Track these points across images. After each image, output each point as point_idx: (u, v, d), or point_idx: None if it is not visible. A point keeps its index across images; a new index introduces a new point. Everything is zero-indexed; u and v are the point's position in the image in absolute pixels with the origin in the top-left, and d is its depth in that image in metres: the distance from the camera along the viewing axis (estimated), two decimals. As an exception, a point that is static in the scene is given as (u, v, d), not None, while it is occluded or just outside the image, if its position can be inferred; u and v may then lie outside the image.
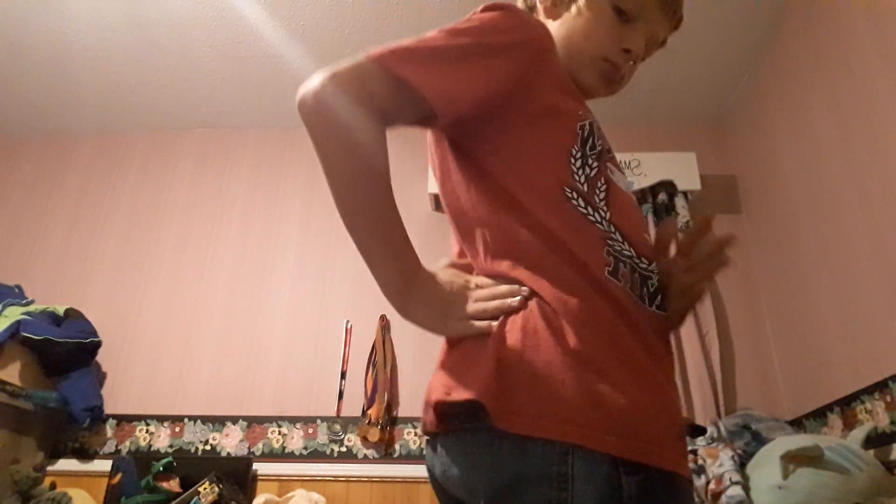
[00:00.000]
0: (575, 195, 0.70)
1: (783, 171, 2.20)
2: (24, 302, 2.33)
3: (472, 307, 0.67)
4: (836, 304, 1.87)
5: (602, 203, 0.71)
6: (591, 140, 0.74)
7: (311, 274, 2.52)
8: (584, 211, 0.70)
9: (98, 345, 2.31)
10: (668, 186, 2.43)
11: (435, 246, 2.54)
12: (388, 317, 2.39)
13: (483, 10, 0.75)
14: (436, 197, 2.53)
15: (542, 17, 0.90)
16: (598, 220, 0.70)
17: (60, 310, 2.28)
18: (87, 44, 2.38)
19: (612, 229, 0.70)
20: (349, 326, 2.41)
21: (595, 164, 0.73)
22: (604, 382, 0.60)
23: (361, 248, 0.67)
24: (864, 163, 1.74)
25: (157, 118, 2.80)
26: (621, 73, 0.85)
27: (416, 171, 2.66)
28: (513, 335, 0.63)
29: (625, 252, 0.69)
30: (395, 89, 0.65)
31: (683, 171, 2.44)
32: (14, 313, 2.16)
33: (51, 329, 2.16)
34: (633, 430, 0.60)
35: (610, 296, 0.65)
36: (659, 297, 0.71)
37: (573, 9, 0.85)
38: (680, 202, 2.44)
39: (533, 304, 0.65)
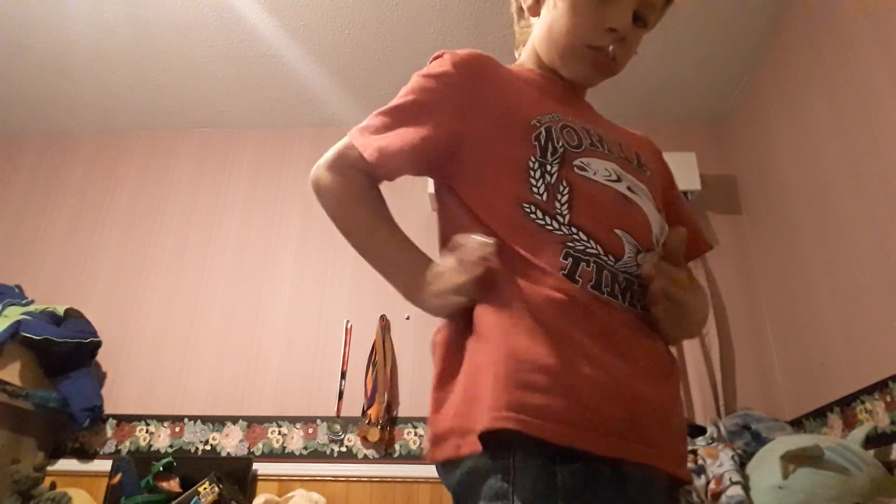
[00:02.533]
0: (533, 208, 0.72)
1: (783, 171, 2.20)
2: (24, 302, 2.33)
3: (452, 279, 0.74)
4: (836, 304, 1.87)
5: (564, 208, 0.72)
6: (549, 146, 0.75)
7: (311, 274, 2.52)
8: (542, 222, 0.72)
9: (98, 345, 2.31)
10: (668, 186, 2.44)
11: (435, 246, 2.54)
12: (387, 317, 2.39)
13: (422, 71, 0.89)
14: (436, 197, 2.53)
15: (527, 18, 0.93)
16: (557, 226, 0.71)
17: (60, 310, 2.28)
18: (87, 44, 2.38)
19: (574, 231, 0.71)
20: (349, 326, 2.41)
21: (555, 170, 0.74)
22: (538, 372, 0.62)
23: (378, 271, 0.84)
24: (864, 163, 1.73)
25: (157, 118, 2.80)
26: (611, 55, 0.82)
27: (416, 171, 2.66)
28: (448, 352, 0.77)
29: (589, 251, 0.70)
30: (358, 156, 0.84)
31: (683, 171, 2.44)
32: (14, 313, 2.16)
33: (51, 329, 2.16)
34: (567, 415, 0.60)
35: (563, 295, 0.67)
36: (635, 292, 0.71)
37: (549, 1, 0.86)
38: (680, 202, 2.44)
39: (467, 321, 0.73)
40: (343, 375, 2.33)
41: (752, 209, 2.48)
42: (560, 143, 0.75)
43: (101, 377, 2.37)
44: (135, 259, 2.60)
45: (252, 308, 2.48)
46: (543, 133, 0.76)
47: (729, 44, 2.32)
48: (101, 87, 2.60)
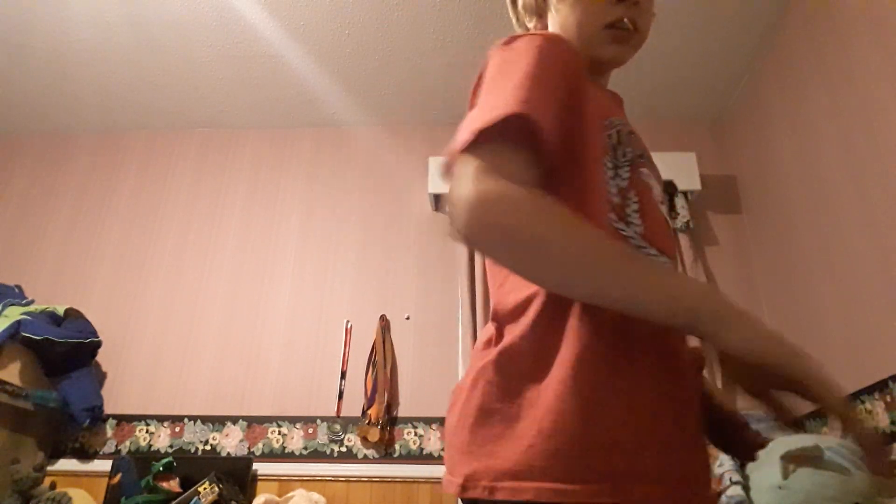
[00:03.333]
0: (608, 207, 0.67)
1: (783, 171, 2.20)
2: (24, 302, 2.32)
3: None
4: (836, 304, 1.87)
5: (635, 217, 0.68)
6: (620, 149, 0.72)
7: (311, 274, 2.52)
8: (618, 225, 0.66)
9: (98, 345, 2.31)
10: (668, 186, 2.44)
11: (435, 246, 2.55)
12: (387, 317, 2.39)
13: (518, 41, 0.70)
14: (436, 197, 2.53)
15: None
16: (633, 234, 0.67)
17: (60, 310, 2.28)
18: (87, 44, 2.38)
19: (646, 245, 0.67)
20: (349, 326, 2.41)
21: (627, 175, 0.71)
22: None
23: (639, 311, 0.57)
24: (864, 163, 1.73)
25: (157, 118, 2.80)
26: (631, 25, 0.80)
27: (416, 171, 2.66)
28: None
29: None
30: (507, 146, 0.60)
31: (683, 171, 2.44)
32: (14, 313, 2.16)
33: (51, 329, 2.16)
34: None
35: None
36: None
37: (550, 9, 0.86)
38: (680, 202, 2.44)
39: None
40: (343, 375, 2.33)
41: (752, 209, 2.48)
42: (629, 149, 0.73)
43: (101, 377, 2.37)
44: (135, 259, 2.60)
45: (252, 308, 2.48)
46: (615, 134, 0.72)
47: (729, 44, 2.32)
48: (101, 87, 2.60)
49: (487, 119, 0.59)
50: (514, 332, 0.64)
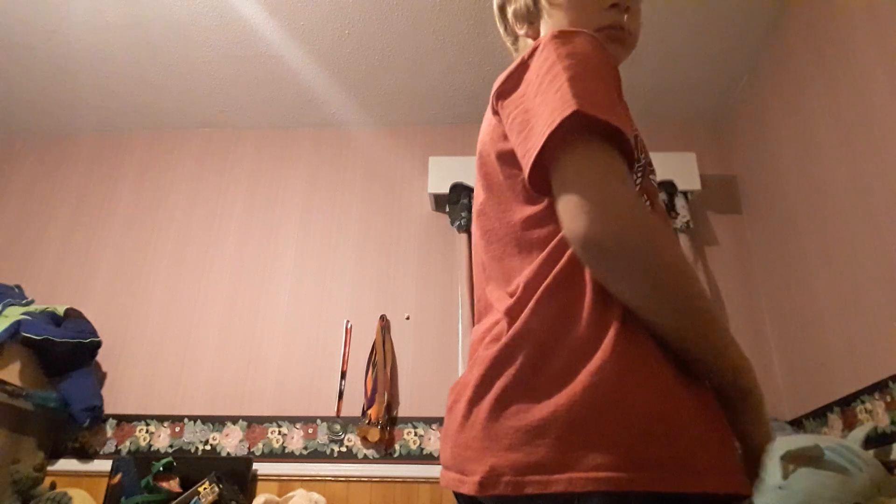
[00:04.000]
0: None
1: (783, 171, 2.20)
2: (24, 302, 2.32)
3: None
4: (836, 303, 1.87)
5: None
6: (635, 154, 0.70)
7: (311, 274, 2.52)
8: None
9: (98, 345, 2.31)
10: (668, 186, 2.44)
11: (435, 246, 2.55)
12: (387, 317, 2.39)
13: (578, 38, 0.70)
14: (436, 197, 2.53)
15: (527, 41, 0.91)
16: None
17: (60, 310, 2.28)
18: (87, 44, 2.38)
19: None
20: (349, 326, 2.41)
21: (640, 178, 0.73)
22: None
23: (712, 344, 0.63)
24: (864, 163, 1.73)
25: (157, 118, 2.80)
26: (624, 29, 0.81)
27: (416, 171, 2.66)
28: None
29: None
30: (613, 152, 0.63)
31: (683, 171, 2.44)
32: (14, 313, 2.16)
33: (51, 329, 2.16)
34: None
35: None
36: None
37: (543, 14, 0.86)
38: (680, 202, 2.44)
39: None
40: (343, 375, 2.33)
41: (752, 209, 2.48)
42: (643, 155, 0.74)
43: (101, 377, 2.37)
44: (135, 259, 2.60)
45: (252, 308, 2.48)
46: (633, 140, 0.69)
47: (729, 44, 2.32)
48: (101, 87, 2.60)
49: (591, 112, 0.60)
50: (527, 323, 0.63)
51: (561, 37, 0.70)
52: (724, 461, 0.57)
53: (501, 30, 0.96)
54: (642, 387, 0.57)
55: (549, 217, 0.67)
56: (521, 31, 0.91)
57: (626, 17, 0.81)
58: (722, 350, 0.62)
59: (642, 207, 0.59)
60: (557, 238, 0.66)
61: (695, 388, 0.61)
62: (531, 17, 0.89)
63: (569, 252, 0.64)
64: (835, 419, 1.85)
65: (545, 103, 0.63)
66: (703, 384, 0.64)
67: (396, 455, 2.19)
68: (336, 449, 2.21)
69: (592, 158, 0.61)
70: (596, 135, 0.62)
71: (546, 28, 0.86)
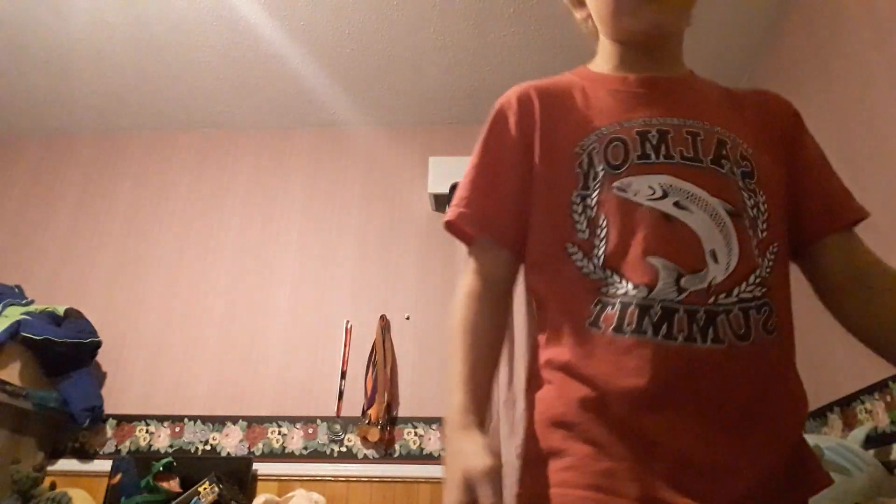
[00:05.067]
0: (576, 249, 0.69)
1: (783, 171, 2.20)
2: (24, 302, 2.33)
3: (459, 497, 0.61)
4: (836, 304, 1.86)
5: (601, 244, 0.67)
6: (591, 171, 0.70)
7: (311, 274, 2.52)
8: (582, 264, 0.68)
9: (98, 345, 2.31)
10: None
11: (435, 246, 2.54)
12: (387, 317, 2.39)
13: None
14: (436, 197, 2.53)
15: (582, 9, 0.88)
16: (592, 269, 0.67)
17: (60, 310, 2.28)
18: (87, 44, 2.38)
19: (607, 273, 0.66)
20: (349, 326, 2.41)
21: (596, 200, 0.69)
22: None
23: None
24: (864, 163, 1.73)
25: (157, 118, 2.79)
26: None
27: (416, 171, 2.66)
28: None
29: (619, 291, 0.64)
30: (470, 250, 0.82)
31: (683, 171, 2.44)
32: (14, 313, 2.16)
33: (51, 329, 2.16)
34: None
35: (586, 348, 0.65)
36: (680, 319, 0.62)
37: None
38: (680, 202, 2.44)
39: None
40: (343, 375, 2.33)
41: (752, 209, 2.48)
42: (601, 167, 0.69)
43: (101, 377, 2.37)
44: (135, 259, 2.60)
45: (252, 308, 2.48)
46: (586, 159, 0.70)
47: (729, 44, 2.31)
48: (101, 87, 2.60)
49: (453, 222, 0.78)
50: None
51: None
52: None
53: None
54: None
55: None
56: (578, 16, 0.88)
57: None
58: (448, 394, 0.70)
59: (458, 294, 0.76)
60: None
61: None
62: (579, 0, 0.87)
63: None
64: (835, 419, 1.85)
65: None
66: None
67: (396, 455, 2.19)
68: (336, 449, 2.21)
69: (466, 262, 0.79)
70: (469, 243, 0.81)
71: (590, 6, 0.83)
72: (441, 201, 2.55)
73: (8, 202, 2.76)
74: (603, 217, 0.68)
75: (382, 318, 2.37)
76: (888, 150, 1.63)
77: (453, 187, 2.47)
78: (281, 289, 2.51)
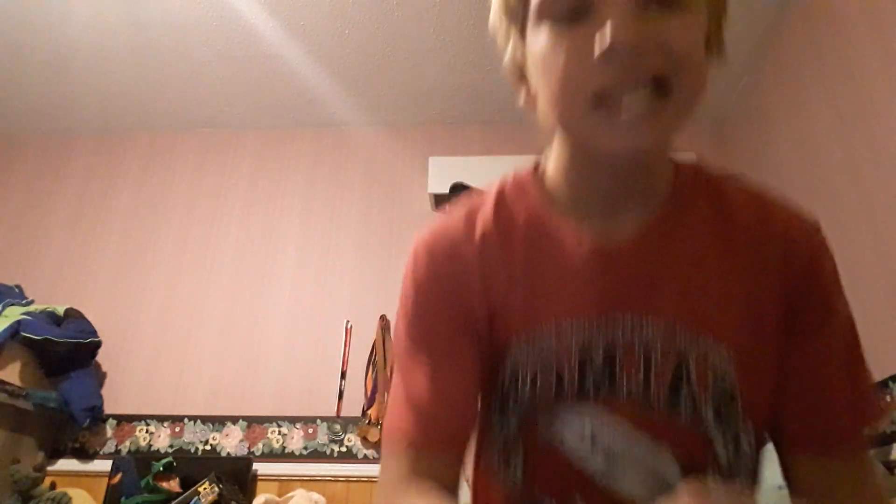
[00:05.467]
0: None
1: (783, 171, 2.20)
2: (24, 302, 2.33)
3: None
4: (836, 304, 1.86)
5: (517, 471, 0.61)
6: (512, 392, 0.60)
7: (311, 274, 2.52)
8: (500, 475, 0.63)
9: (98, 345, 2.31)
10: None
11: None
12: (387, 317, 2.39)
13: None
14: (436, 197, 2.53)
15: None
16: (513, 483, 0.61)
17: (60, 310, 2.28)
18: (87, 44, 2.38)
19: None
20: (349, 326, 2.41)
21: (515, 426, 0.60)
22: None
23: None
24: (864, 163, 1.73)
25: (157, 118, 2.79)
26: (621, 96, 0.49)
27: (416, 171, 2.66)
28: None
29: None
30: None
31: (683, 171, 2.44)
32: (14, 313, 2.16)
33: (51, 329, 2.16)
34: None
35: None
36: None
37: (528, 68, 0.57)
38: (680, 202, 2.44)
39: None
40: (343, 375, 2.33)
41: (752, 209, 2.48)
42: (526, 390, 0.58)
43: (101, 377, 2.37)
44: (135, 259, 2.60)
45: (252, 308, 2.48)
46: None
47: (729, 44, 2.31)
48: (101, 87, 2.60)
49: (385, 428, 0.66)
50: None
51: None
52: None
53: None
54: None
55: None
56: (519, 97, 0.62)
57: (629, 66, 0.48)
58: None
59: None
60: None
61: None
62: (520, 77, 0.61)
63: None
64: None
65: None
66: None
67: (396, 455, 2.19)
68: (336, 449, 2.21)
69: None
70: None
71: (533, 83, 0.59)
72: (441, 201, 2.55)
73: (8, 202, 2.76)
74: (519, 451, 0.60)
75: (382, 318, 2.37)
76: (888, 150, 1.63)
77: (453, 187, 2.47)
78: (281, 289, 2.51)
